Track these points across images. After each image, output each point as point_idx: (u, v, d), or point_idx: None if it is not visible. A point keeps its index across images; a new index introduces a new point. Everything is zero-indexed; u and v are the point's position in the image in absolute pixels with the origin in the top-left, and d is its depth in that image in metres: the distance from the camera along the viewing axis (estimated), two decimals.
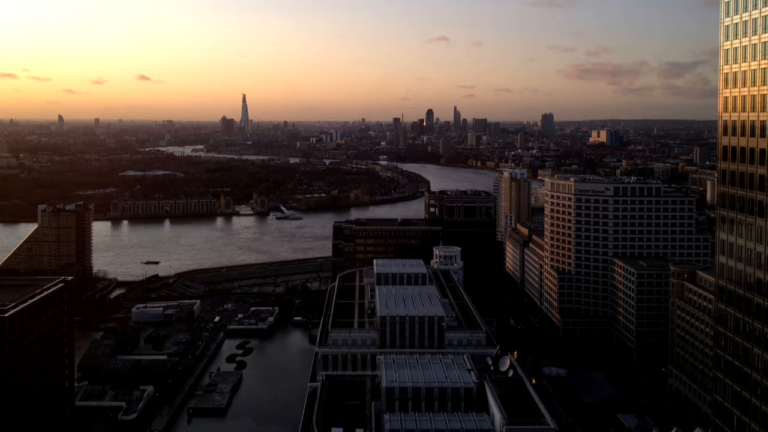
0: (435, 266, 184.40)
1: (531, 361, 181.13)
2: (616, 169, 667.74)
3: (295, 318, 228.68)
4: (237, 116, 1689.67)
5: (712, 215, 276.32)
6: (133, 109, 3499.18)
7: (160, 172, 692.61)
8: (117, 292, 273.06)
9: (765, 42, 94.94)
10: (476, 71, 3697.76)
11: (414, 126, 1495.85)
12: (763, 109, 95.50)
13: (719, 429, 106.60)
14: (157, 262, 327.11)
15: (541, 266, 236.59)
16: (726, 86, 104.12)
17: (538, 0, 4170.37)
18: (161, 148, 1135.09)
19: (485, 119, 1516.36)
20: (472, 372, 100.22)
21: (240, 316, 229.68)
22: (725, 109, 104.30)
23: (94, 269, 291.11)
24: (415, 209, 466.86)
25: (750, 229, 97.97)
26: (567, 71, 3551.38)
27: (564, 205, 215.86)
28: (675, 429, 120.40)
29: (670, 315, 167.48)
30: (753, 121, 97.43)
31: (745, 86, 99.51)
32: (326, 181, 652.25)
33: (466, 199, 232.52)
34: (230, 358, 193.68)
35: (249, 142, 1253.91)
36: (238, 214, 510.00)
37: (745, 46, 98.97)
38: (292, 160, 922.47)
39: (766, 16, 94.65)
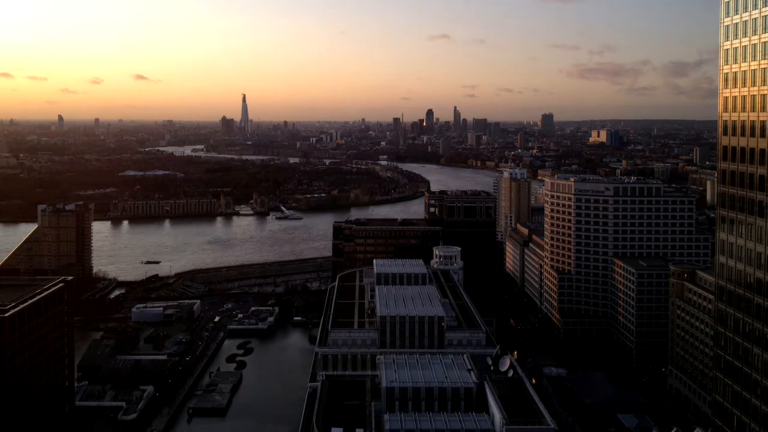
0: (435, 266, 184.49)
1: (531, 361, 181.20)
2: (616, 169, 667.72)
3: (295, 318, 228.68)
4: (237, 116, 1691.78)
5: (712, 215, 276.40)
6: (132, 109, 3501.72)
7: (160, 172, 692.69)
8: (117, 292, 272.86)
9: (765, 42, 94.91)
10: (477, 70, 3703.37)
11: (414, 126, 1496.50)
12: (763, 109, 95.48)
13: (719, 429, 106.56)
14: (157, 262, 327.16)
15: (541, 266, 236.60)
16: (726, 86, 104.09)
17: None
18: (161, 148, 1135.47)
19: (485, 119, 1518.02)
20: (472, 372, 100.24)
21: (240, 316, 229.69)
22: (725, 109, 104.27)
23: (94, 269, 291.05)
24: (415, 209, 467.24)
25: (750, 229, 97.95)
26: (569, 71, 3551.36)
27: (564, 205, 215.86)
28: (675, 429, 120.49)
29: (670, 315, 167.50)
30: (753, 121, 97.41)
31: (745, 86, 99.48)
32: (326, 181, 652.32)
33: (466, 199, 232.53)
34: (230, 358, 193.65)
35: (249, 142, 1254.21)
36: (238, 214, 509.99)
37: (745, 46, 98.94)
38: (292, 160, 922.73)
39: (766, 16, 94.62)
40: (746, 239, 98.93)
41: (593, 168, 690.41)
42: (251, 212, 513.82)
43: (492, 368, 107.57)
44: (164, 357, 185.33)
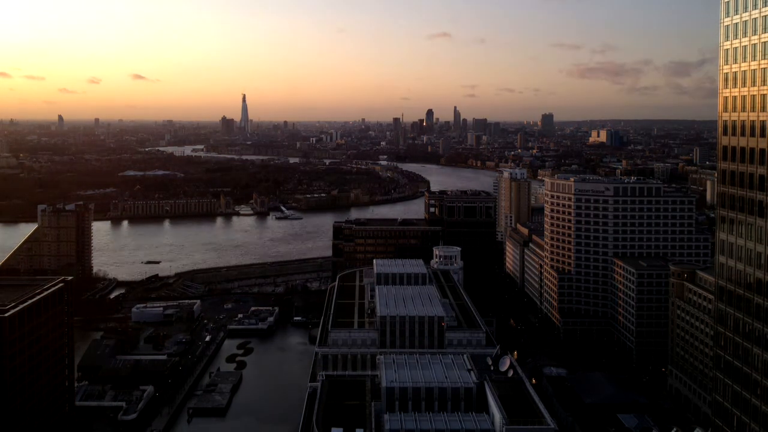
0: (435, 266, 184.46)
1: (531, 361, 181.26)
2: (616, 169, 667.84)
3: (295, 318, 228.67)
4: (237, 116, 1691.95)
5: (712, 215, 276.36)
6: (132, 109, 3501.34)
7: (160, 172, 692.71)
8: (117, 292, 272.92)
9: (765, 42, 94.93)
10: (478, 70, 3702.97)
11: (414, 126, 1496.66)
12: (763, 109, 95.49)
13: (719, 429, 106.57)
14: (157, 262, 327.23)
15: (541, 266, 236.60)
16: (726, 86, 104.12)
17: None
18: (161, 148, 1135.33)
19: (485, 119, 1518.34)
20: (472, 372, 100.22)
21: (240, 316, 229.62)
22: (725, 109, 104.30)
23: (94, 269, 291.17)
24: (415, 209, 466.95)
25: (750, 229, 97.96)
26: (570, 70, 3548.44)
27: (564, 205, 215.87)
28: (675, 429, 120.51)
29: (670, 315, 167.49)
30: (753, 121, 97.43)
31: (745, 86, 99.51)
32: (326, 181, 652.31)
33: (466, 199, 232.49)
34: (230, 358, 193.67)
35: (249, 142, 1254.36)
36: (238, 214, 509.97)
37: (745, 46, 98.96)
38: (292, 160, 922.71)
39: (766, 16, 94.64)
40: (746, 239, 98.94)
41: (593, 168, 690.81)
42: (251, 212, 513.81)
43: (492, 368, 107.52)
44: (164, 357, 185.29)
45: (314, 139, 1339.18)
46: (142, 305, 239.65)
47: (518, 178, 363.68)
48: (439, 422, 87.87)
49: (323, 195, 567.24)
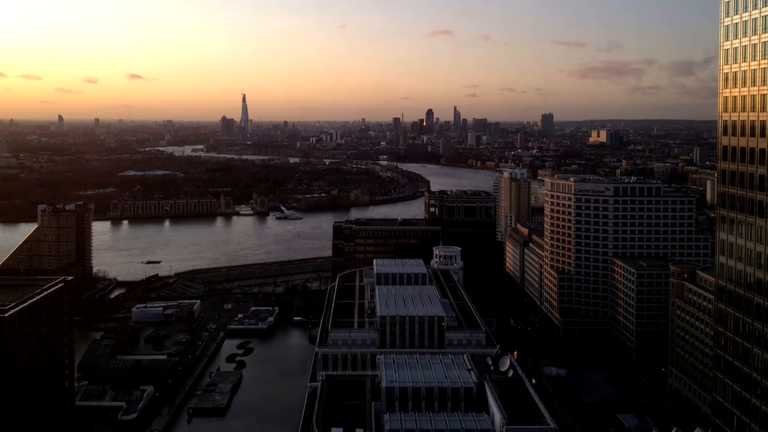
0: (435, 266, 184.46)
1: (531, 361, 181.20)
2: (616, 169, 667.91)
3: (295, 318, 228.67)
4: (237, 116, 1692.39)
5: (712, 215, 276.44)
6: (132, 109, 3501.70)
7: (160, 172, 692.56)
8: (117, 292, 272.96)
9: (765, 42, 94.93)
10: (479, 69, 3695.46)
11: (414, 126, 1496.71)
12: (763, 109, 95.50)
13: (719, 429, 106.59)
14: (157, 262, 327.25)
15: (541, 266, 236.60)
16: (726, 86, 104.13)
17: None
18: (161, 148, 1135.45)
19: (485, 119, 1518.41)
20: (472, 372, 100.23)
21: (240, 316, 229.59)
22: (725, 109, 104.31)
23: (94, 269, 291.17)
24: (415, 209, 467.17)
25: (750, 229, 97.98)
26: (573, 70, 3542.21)
27: (564, 205, 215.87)
28: (675, 429, 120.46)
29: (670, 315, 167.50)
30: (753, 121, 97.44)
31: (745, 86, 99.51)
32: (326, 181, 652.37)
33: (466, 199, 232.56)
34: (230, 358, 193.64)
35: (249, 142, 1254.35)
36: (238, 214, 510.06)
37: (745, 46, 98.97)
38: (292, 160, 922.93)
39: (766, 16, 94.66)
40: (746, 239, 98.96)
41: (593, 168, 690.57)
42: (251, 212, 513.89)
43: (492, 368, 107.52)
44: (164, 357, 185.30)
45: (314, 139, 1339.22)
46: (142, 305, 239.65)
47: (518, 178, 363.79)
48: (439, 422, 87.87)
49: (323, 195, 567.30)
